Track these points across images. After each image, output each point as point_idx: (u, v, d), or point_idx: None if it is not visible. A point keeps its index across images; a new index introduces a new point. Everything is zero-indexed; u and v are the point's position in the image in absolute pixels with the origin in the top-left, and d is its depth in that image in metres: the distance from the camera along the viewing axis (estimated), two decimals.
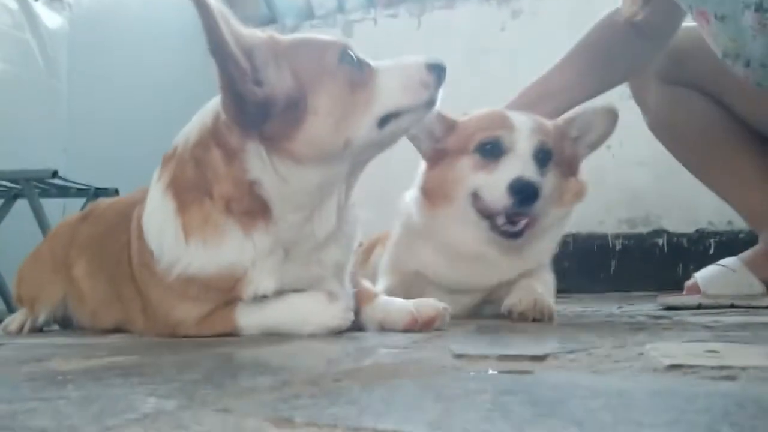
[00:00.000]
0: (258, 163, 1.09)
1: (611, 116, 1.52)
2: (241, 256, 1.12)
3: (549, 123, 1.49)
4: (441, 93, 1.16)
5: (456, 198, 1.45)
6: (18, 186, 2.46)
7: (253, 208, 1.11)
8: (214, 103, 1.15)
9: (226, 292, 1.15)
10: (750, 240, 2.24)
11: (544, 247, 1.51)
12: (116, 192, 2.53)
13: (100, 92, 3.15)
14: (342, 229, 1.19)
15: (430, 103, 1.16)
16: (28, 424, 0.44)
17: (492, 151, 1.42)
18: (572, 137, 1.52)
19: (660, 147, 2.01)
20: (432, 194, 1.49)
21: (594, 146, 1.54)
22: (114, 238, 1.39)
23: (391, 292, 1.36)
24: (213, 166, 1.12)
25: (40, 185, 2.50)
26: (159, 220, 1.18)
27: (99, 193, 2.56)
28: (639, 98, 1.93)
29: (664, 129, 1.91)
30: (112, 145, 3.08)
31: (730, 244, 2.73)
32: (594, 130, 1.52)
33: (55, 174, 2.37)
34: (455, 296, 1.46)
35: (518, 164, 1.39)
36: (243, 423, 0.44)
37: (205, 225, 1.13)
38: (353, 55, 1.13)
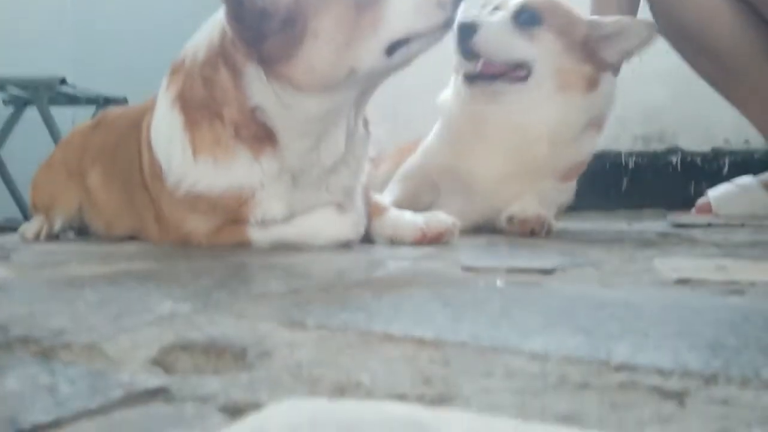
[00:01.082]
0: (259, 87, 1.05)
1: (649, 29, 1.47)
2: (250, 178, 1.11)
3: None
4: (461, 10, 1.07)
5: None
6: (27, 95, 2.44)
7: (260, 134, 1.08)
8: (220, 17, 1.08)
9: (234, 212, 1.15)
10: (766, 160, 2.21)
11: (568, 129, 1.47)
12: (125, 100, 2.51)
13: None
14: (351, 152, 1.15)
15: (447, 24, 1.05)
16: (47, 325, 0.46)
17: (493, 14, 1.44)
18: (602, 35, 1.45)
19: (678, 63, 1.95)
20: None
21: (627, 54, 1.48)
22: (126, 147, 1.39)
23: (400, 202, 1.37)
24: (222, 87, 1.09)
25: (49, 93, 2.48)
26: (167, 133, 1.16)
27: (108, 101, 2.54)
28: (660, 3, 1.82)
29: (686, 33, 1.81)
30: (120, 53, 3.03)
31: (744, 164, 2.69)
32: (628, 37, 1.46)
33: (63, 81, 2.35)
34: (464, 208, 1.47)
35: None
36: (256, 325, 0.45)
37: (215, 145, 1.11)
38: None
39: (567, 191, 1.56)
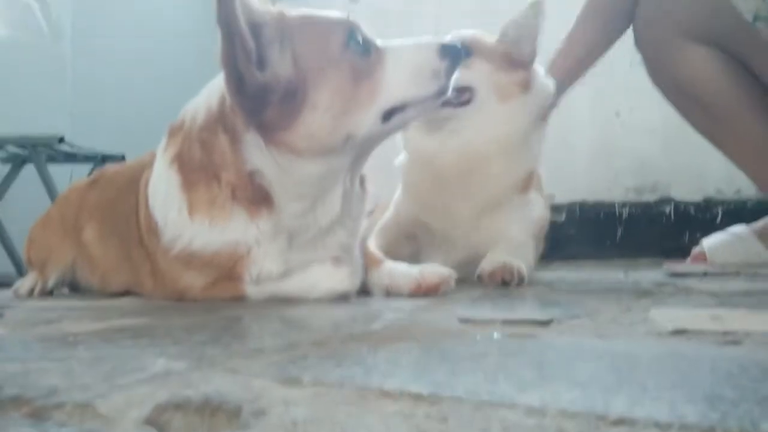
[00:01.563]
0: (257, 153, 1.07)
1: (530, 7, 1.57)
2: (246, 237, 1.11)
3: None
4: (454, 78, 1.10)
5: None
6: (25, 152, 2.47)
7: (256, 197, 1.10)
8: (220, 82, 1.10)
9: (229, 269, 1.15)
10: (758, 209, 2.23)
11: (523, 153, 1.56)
12: (123, 158, 2.54)
13: (104, 57, 3.13)
14: (348, 213, 1.16)
15: (442, 92, 1.09)
16: (40, 383, 0.45)
17: None
18: (510, 40, 1.57)
19: (670, 114, 1.98)
20: None
21: (531, 36, 1.57)
22: (123, 201, 1.40)
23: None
24: (220, 152, 1.10)
25: (47, 151, 2.51)
26: (164, 192, 1.18)
27: (106, 158, 2.56)
28: (654, 54, 1.87)
29: (680, 88, 1.85)
30: (118, 110, 3.08)
31: (737, 212, 2.72)
32: (523, 26, 1.56)
33: (62, 140, 2.38)
34: (447, 257, 1.49)
35: None
36: (251, 383, 0.45)
37: (211, 206, 1.12)
38: (361, 37, 1.07)
39: (535, 206, 1.60)
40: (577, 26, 1.81)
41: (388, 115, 1.07)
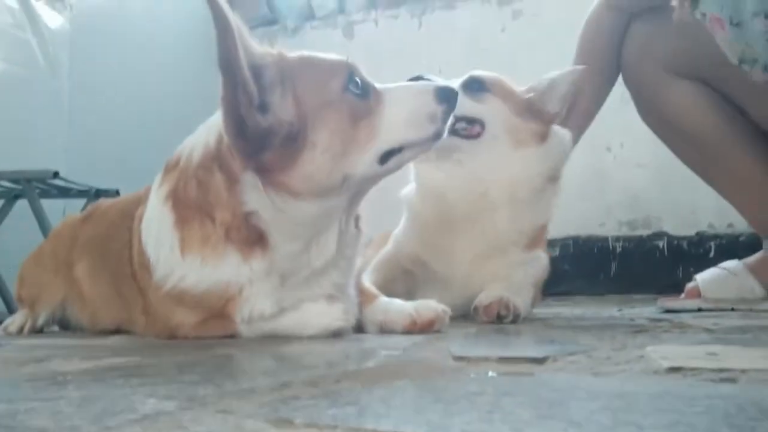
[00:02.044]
0: (254, 194, 1.06)
1: (574, 73, 1.60)
2: (238, 277, 1.10)
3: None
4: (450, 122, 1.12)
5: None
6: (19, 186, 2.46)
7: (251, 238, 1.09)
8: (218, 120, 1.10)
9: (220, 308, 1.13)
10: (750, 243, 2.24)
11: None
12: (117, 193, 2.53)
13: (101, 93, 3.15)
14: (342, 253, 1.16)
15: (437, 135, 1.11)
16: (28, 424, 0.44)
17: None
18: (540, 91, 1.58)
19: (660, 149, 2.00)
20: None
21: (563, 99, 1.58)
22: (116, 237, 1.39)
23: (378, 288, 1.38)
24: (215, 191, 1.10)
25: (41, 186, 2.50)
26: (156, 229, 1.17)
27: (100, 193, 2.56)
28: (642, 90, 1.89)
29: (667, 122, 1.88)
30: (113, 146, 3.08)
31: (730, 247, 2.73)
32: (560, 85, 1.58)
33: (56, 175, 2.38)
34: (442, 295, 1.47)
35: None
36: (243, 424, 0.44)
37: (204, 244, 1.11)
38: (359, 79, 1.08)
39: (538, 262, 1.58)
40: None
41: (385, 156, 1.08)
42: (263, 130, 1.02)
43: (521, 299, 1.41)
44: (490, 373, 0.66)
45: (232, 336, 1.16)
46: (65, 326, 1.60)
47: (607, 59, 1.83)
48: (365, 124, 1.06)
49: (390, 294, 1.31)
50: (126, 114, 3.21)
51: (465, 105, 1.45)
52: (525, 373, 0.66)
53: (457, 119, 1.43)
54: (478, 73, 1.57)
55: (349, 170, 1.06)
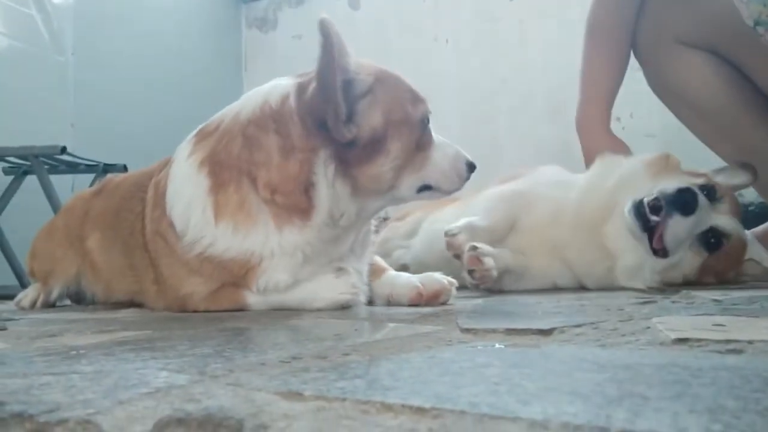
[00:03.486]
0: (323, 170, 1.13)
1: (752, 171, 1.65)
2: (264, 247, 1.14)
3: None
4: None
5: None
6: (27, 163, 2.47)
7: (299, 206, 1.14)
8: (285, 87, 1.17)
9: (238, 277, 1.16)
10: (760, 212, 2.23)
11: None
12: (125, 168, 2.54)
13: (106, 68, 3.14)
14: (361, 242, 1.27)
15: (458, 188, 1.26)
16: (42, 399, 0.45)
17: None
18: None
19: (670, 119, 1.99)
20: None
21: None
22: (129, 209, 1.40)
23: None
24: (266, 151, 1.14)
25: (49, 161, 2.51)
26: (188, 197, 1.18)
27: (107, 168, 2.57)
28: (652, 60, 1.88)
29: (677, 93, 1.87)
30: (119, 121, 3.09)
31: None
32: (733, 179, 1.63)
33: (63, 150, 2.39)
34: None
35: None
36: (253, 396, 0.45)
37: (239, 209, 1.14)
38: (428, 120, 1.21)
39: None
40: (590, 65, 1.82)
41: (422, 188, 1.20)
42: (348, 140, 1.10)
43: None
44: (497, 345, 0.67)
45: (241, 309, 1.18)
46: (78, 300, 1.62)
47: (622, 37, 1.81)
48: (422, 155, 1.19)
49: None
50: (132, 89, 3.20)
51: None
52: (532, 345, 0.67)
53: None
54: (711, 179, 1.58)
55: (398, 183, 1.17)
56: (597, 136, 1.83)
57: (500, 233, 1.61)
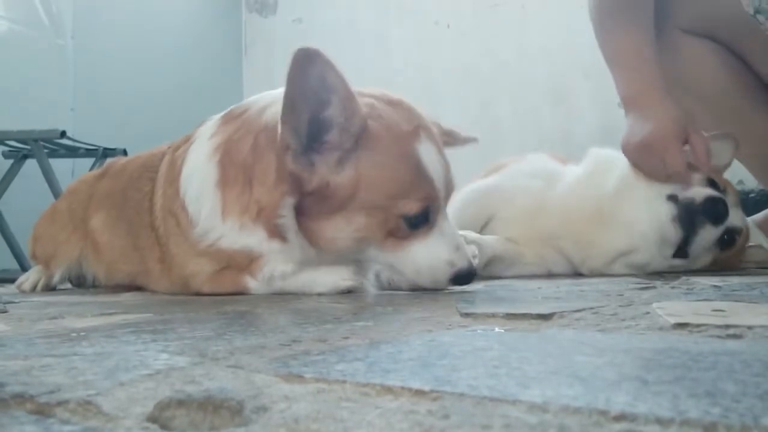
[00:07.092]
0: (288, 214, 1.11)
1: (732, 143, 1.64)
2: (266, 248, 1.16)
3: None
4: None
5: None
6: (27, 146, 2.47)
7: (278, 233, 1.14)
8: None
9: (243, 267, 1.17)
10: (760, 200, 2.22)
11: None
12: (125, 152, 2.54)
13: (106, 51, 3.13)
14: None
15: (440, 288, 1.14)
16: (43, 380, 0.45)
17: None
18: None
19: None
20: None
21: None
22: (137, 188, 1.40)
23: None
24: (264, 168, 1.12)
25: (49, 145, 2.51)
26: (199, 183, 1.18)
27: (107, 153, 2.57)
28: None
29: (676, 79, 1.84)
30: (119, 105, 3.08)
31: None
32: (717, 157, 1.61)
33: (63, 134, 2.38)
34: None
35: None
36: (253, 378, 0.45)
37: (242, 214, 1.14)
38: (430, 213, 1.09)
39: None
40: (619, 43, 1.65)
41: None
42: (314, 187, 1.06)
43: None
44: (497, 329, 0.67)
45: (243, 293, 1.18)
46: (79, 284, 1.62)
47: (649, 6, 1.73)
48: (397, 242, 1.09)
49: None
50: (131, 73, 3.18)
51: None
52: (531, 329, 0.67)
53: None
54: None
55: (366, 257, 1.12)
56: (658, 104, 1.58)
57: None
